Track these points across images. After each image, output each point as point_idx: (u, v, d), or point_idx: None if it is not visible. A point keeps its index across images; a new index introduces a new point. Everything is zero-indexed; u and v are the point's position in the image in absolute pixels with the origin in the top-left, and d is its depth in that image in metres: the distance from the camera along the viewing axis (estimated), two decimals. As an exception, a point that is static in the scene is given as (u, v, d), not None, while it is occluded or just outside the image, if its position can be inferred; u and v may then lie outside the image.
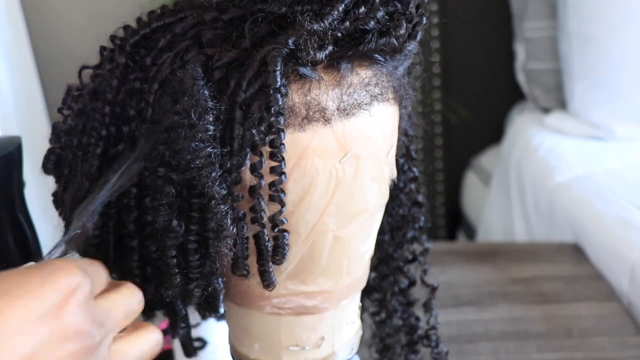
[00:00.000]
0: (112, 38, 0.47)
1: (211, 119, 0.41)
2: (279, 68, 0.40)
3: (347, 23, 0.42)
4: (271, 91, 0.40)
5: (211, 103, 0.41)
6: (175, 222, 0.44)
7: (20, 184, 0.64)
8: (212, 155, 0.41)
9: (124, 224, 0.46)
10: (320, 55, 0.41)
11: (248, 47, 0.41)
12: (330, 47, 0.41)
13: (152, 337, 0.38)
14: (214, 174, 0.41)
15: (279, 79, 0.40)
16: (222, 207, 0.42)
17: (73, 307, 0.31)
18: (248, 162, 0.42)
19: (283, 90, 0.41)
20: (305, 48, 0.41)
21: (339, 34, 0.42)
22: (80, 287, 0.32)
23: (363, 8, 0.42)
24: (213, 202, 0.42)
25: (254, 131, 0.41)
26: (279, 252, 0.45)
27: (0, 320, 0.29)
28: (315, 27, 0.40)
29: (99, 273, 0.36)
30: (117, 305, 0.36)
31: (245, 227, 0.44)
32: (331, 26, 0.41)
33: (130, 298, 0.37)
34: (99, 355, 0.33)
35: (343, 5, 0.41)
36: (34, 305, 0.30)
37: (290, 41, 0.40)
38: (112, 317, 0.35)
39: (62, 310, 0.31)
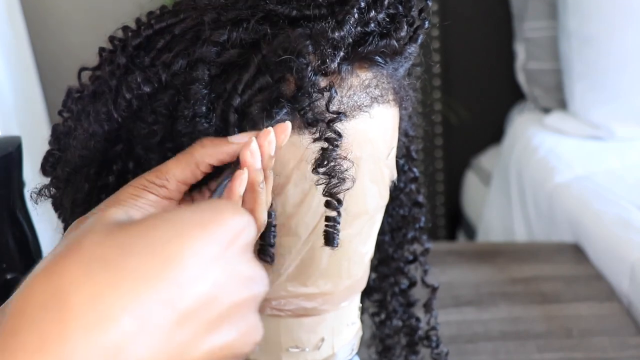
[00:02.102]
0: (111, 39, 0.46)
1: (210, 121, 0.41)
2: (312, 77, 0.40)
3: (359, 28, 0.42)
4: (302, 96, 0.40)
5: (208, 105, 0.41)
6: None
7: (20, 184, 0.64)
8: None
9: None
10: (334, 64, 0.41)
11: (250, 47, 0.41)
12: (342, 54, 0.41)
13: None
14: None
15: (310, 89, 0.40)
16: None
17: (240, 247, 0.31)
18: None
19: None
20: (323, 58, 0.40)
21: (351, 40, 0.42)
22: (247, 228, 0.31)
23: (373, 12, 0.42)
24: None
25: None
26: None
27: (178, 263, 0.28)
28: (337, 35, 0.40)
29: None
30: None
31: (273, 215, 0.44)
32: (348, 33, 0.41)
33: None
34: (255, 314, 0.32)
35: (357, 10, 0.41)
36: (207, 246, 0.29)
37: (311, 49, 0.40)
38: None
39: (229, 250, 0.30)
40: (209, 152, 0.38)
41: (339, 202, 0.42)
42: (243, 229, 0.31)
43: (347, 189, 0.43)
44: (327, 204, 0.43)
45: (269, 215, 0.43)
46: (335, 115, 0.42)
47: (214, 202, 0.32)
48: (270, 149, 0.38)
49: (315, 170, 0.42)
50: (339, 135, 0.42)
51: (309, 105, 0.41)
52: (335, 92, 0.42)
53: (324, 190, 0.42)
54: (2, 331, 0.26)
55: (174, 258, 0.28)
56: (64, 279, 0.27)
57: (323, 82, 0.42)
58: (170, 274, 0.27)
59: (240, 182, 0.36)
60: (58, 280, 0.27)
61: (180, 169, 0.38)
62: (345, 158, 0.42)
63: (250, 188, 0.37)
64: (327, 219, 0.43)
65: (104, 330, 0.26)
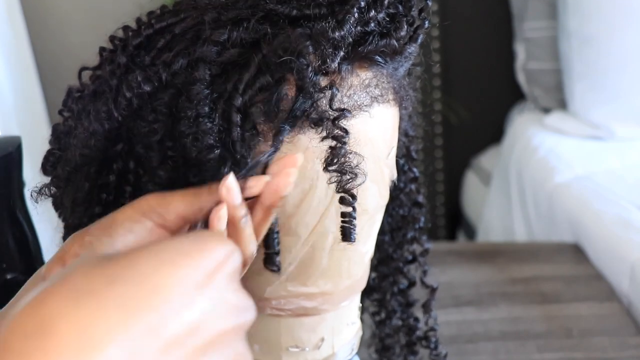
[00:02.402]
0: (112, 39, 0.46)
1: (211, 121, 0.41)
2: (312, 77, 0.40)
3: (359, 28, 0.42)
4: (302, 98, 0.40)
5: (210, 105, 0.41)
6: None
7: (20, 184, 0.64)
8: (220, 155, 0.41)
9: None
10: (334, 64, 0.41)
11: (251, 47, 0.41)
12: (342, 54, 0.41)
13: None
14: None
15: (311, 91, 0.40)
16: None
17: (225, 275, 0.30)
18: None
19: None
20: (323, 57, 0.40)
21: (351, 39, 0.42)
22: (232, 256, 0.31)
23: (373, 12, 0.42)
24: None
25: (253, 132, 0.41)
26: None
27: (164, 291, 0.28)
28: (337, 35, 0.40)
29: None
30: None
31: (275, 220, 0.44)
32: (348, 33, 0.41)
33: None
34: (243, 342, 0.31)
35: (357, 10, 0.41)
36: (192, 274, 0.29)
37: (311, 49, 0.40)
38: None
39: (215, 279, 0.30)
40: (214, 200, 0.38)
41: (353, 197, 0.43)
42: (227, 258, 0.31)
43: (360, 184, 0.43)
44: (342, 200, 0.43)
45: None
46: (339, 113, 0.42)
47: (199, 232, 0.32)
48: (271, 190, 0.37)
49: (326, 168, 0.42)
50: (346, 131, 0.42)
51: (312, 105, 0.41)
52: (337, 89, 0.42)
53: (337, 187, 0.43)
54: None
55: (158, 287, 0.28)
56: (50, 309, 0.26)
57: (324, 82, 0.42)
58: (156, 303, 0.27)
59: (217, 218, 0.36)
60: (43, 310, 0.26)
61: (184, 206, 0.38)
62: (353, 153, 0.43)
63: (231, 223, 0.37)
64: (343, 214, 0.44)
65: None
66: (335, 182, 0.42)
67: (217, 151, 0.41)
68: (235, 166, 0.41)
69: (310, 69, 0.40)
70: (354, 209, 0.44)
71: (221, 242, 0.31)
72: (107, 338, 0.26)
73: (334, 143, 0.42)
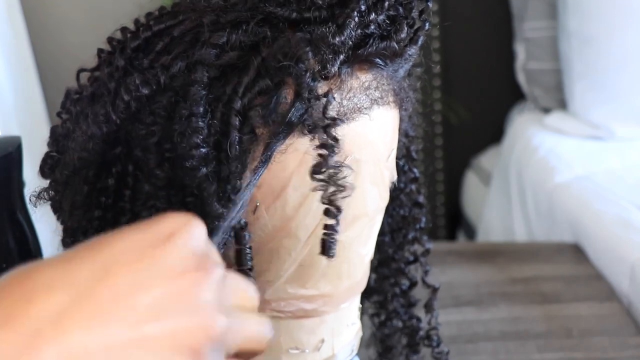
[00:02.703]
0: (110, 40, 0.46)
1: (207, 124, 0.41)
2: (310, 83, 0.40)
3: (359, 31, 0.42)
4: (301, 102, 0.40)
5: (205, 106, 0.41)
6: None
7: (20, 184, 0.64)
8: (209, 159, 0.41)
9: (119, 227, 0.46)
10: (334, 68, 0.41)
11: (250, 50, 0.41)
12: (342, 58, 0.41)
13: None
14: (213, 187, 0.41)
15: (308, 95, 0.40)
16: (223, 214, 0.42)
17: (172, 245, 0.27)
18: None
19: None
20: (323, 62, 0.40)
21: (351, 43, 0.41)
22: (183, 229, 0.28)
23: (373, 14, 0.42)
24: (210, 208, 0.41)
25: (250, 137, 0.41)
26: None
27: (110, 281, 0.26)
28: (337, 40, 0.40)
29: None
30: (241, 295, 0.31)
31: (247, 236, 0.43)
32: (349, 37, 0.41)
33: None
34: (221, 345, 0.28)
35: (357, 14, 0.41)
36: (133, 246, 0.27)
37: (311, 55, 0.40)
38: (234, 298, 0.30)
39: (158, 248, 0.27)
40: None
41: (338, 209, 0.42)
42: (180, 228, 0.28)
43: (346, 197, 0.42)
44: (326, 212, 0.42)
45: (243, 237, 0.42)
46: (331, 121, 0.41)
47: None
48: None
49: (312, 176, 0.41)
50: (336, 140, 0.41)
51: (307, 111, 0.41)
52: (333, 97, 0.42)
53: (322, 197, 0.41)
54: None
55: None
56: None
57: (324, 87, 0.42)
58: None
59: None
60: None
61: None
62: (343, 165, 0.42)
63: None
64: (325, 227, 0.42)
65: None
66: (320, 190, 0.41)
67: (203, 150, 0.41)
68: (217, 166, 0.41)
69: (308, 74, 0.40)
70: (337, 222, 0.42)
71: (172, 217, 0.29)
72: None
73: (323, 151, 0.41)
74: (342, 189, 0.41)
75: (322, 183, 0.41)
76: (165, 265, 0.27)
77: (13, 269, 0.27)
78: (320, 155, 0.41)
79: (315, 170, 0.41)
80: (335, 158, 0.41)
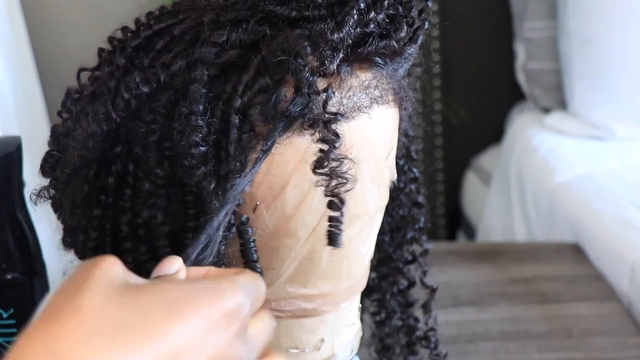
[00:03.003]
0: (111, 40, 0.46)
1: (206, 122, 0.41)
2: (309, 78, 0.40)
3: (358, 29, 0.42)
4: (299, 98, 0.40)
5: (205, 104, 0.41)
6: (166, 228, 0.44)
7: (20, 184, 0.64)
8: (208, 157, 0.41)
9: (119, 226, 0.46)
10: (333, 65, 0.41)
11: (249, 48, 0.41)
12: (341, 56, 0.41)
13: None
14: (212, 185, 0.41)
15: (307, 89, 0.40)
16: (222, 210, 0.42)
17: (233, 331, 0.31)
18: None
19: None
20: (321, 59, 0.40)
21: (350, 41, 0.41)
22: (241, 310, 0.31)
23: (373, 13, 0.42)
24: (209, 206, 0.41)
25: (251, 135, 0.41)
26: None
27: (166, 340, 0.28)
28: (335, 37, 0.40)
29: (259, 289, 0.35)
30: (263, 331, 0.35)
31: (250, 231, 0.43)
32: (348, 34, 0.41)
33: (269, 320, 0.36)
34: None
35: (356, 12, 0.41)
36: (198, 325, 0.29)
37: (309, 51, 0.40)
38: (259, 342, 0.34)
39: (219, 332, 0.30)
40: None
41: (342, 202, 0.42)
42: (239, 310, 0.31)
43: (349, 190, 0.43)
44: (330, 205, 0.42)
45: (246, 232, 0.43)
46: (332, 116, 0.41)
47: (215, 282, 0.32)
48: None
49: (314, 171, 0.42)
50: (337, 135, 0.41)
51: (307, 107, 0.41)
52: (333, 92, 0.42)
53: (325, 191, 0.42)
54: None
55: (166, 337, 0.28)
56: (62, 344, 0.27)
57: (322, 83, 0.42)
58: (162, 353, 0.28)
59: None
60: (56, 344, 0.27)
61: None
62: (345, 158, 0.42)
63: None
64: (330, 219, 0.43)
65: None
66: (324, 185, 0.42)
67: (202, 149, 0.41)
68: (217, 165, 0.41)
69: (307, 69, 0.40)
70: (342, 213, 0.43)
71: (236, 296, 0.31)
72: None
73: (324, 146, 0.41)
74: (344, 181, 0.42)
75: (324, 177, 0.41)
76: (227, 353, 0.31)
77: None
78: (321, 150, 0.41)
79: (318, 164, 0.41)
80: (337, 152, 0.42)
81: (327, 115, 0.41)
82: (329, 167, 0.41)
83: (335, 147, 0.41)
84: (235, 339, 0.31)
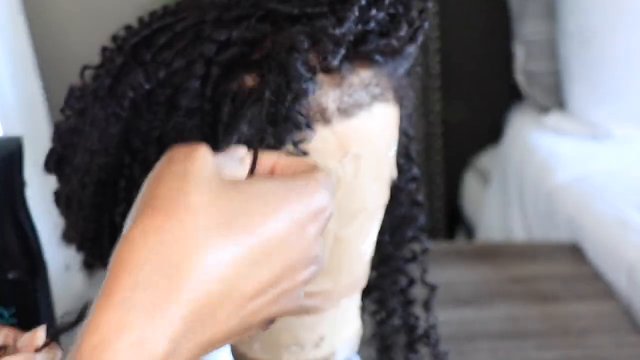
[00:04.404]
0: (114, 38, 0.47)
1: (209, 121, 0.41)
2: (303, 74, 0.40)
3: (360, 27, 0.42)
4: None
5: (205, 102, 0.41)
6: None
7: (22, 185, 0.64)
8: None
9: (115, 217, 0.47)
10: (336, 61, 0.41)
11: (252, 46, 0.42)
12: (343, 52, 0.41)
13: None
14: None
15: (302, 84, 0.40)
16: None
17: (316, 229, 0.34)
18: None
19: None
20: (324, 54, 0.41)
21: (352, 38, 0.42)
22: (326, 210, 0.34)
23: (374, 11, 0.42)
24: None
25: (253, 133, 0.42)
26: None
27: (263, 233, 0.31)
28: (337, 32, 0.40)
29: (334, 190, 0.37)
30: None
31: None
32: (349, 30, 0.41)
33: None
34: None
35: (358, 8, 0.41)
36: (290, 221, 0.32)
37: (307, 46, 0.40)
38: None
39: (306, 229, 0.33)
40: None
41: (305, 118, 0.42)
42: (325, 210, 0.34)
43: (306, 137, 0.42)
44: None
45: None
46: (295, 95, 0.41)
47: (304, 181, 0.34)
48: None
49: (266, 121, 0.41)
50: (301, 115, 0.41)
51: (293, 102, 0.41)
52: (315, 86, 0.41)
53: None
54: (111, 288, 0.28)
55: (263, 230, 0.31)
56: (177, 238, 0.29)
57: (327, 79, 0.42)
58: (260, 244, 0.31)
59: None
60: (171, 238, 0.29)
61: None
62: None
63: None
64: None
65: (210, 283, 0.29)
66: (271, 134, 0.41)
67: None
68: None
69: (300, 61, 0.40)
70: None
71: (326, 192, 0.34)
72: (231, 259, 0.30)
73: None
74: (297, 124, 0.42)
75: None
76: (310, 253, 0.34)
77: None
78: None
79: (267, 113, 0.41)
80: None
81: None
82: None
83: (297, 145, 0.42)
84: (317, 236, 0.34)
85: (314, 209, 0.33)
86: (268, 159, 0.37)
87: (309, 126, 0.42)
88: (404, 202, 0.59)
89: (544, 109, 1.50)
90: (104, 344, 0.27)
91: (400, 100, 0.48)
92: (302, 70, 0.40)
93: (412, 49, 0.46)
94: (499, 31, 1.60)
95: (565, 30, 1.35)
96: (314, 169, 0.36)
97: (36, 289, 0.64)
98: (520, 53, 1.53)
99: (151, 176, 0.33)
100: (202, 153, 0.33)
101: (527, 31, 1.48)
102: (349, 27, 0.41)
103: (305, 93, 0.41)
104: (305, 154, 0.42)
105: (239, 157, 0.36)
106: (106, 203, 0.47)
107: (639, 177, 1.19)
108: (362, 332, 0.56)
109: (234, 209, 0.31)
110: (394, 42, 0.44)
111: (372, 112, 0.45)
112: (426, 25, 0.46)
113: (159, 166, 0.33)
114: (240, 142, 0.42)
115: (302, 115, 0.41)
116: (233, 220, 0.30)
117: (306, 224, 0.33)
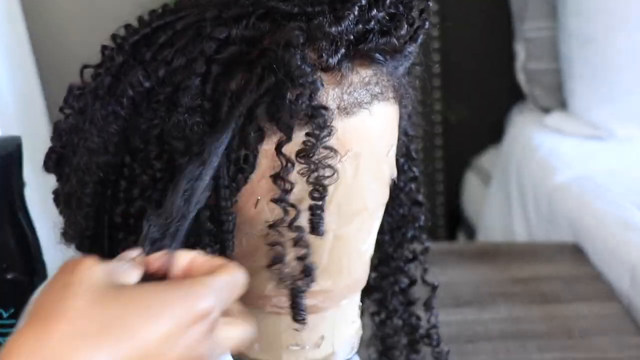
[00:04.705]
0: (114, 37, 0.47)
1: (204, 116, 0.41)
2: (304, 68, 0.40)
3: (360, 25, 0.42)
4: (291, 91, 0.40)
5: (205, 100, 0.41)
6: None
7: (20, 184, 0.64)
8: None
9: (113, 217, 0.47)
10: (334, 60, 0.41)
11: (251, 44, 0.42)
12: (342, 51, 0.41)
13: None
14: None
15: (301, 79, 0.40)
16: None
17: (201, 330, 0.33)
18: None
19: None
20: (320, 52, 0.40)
21: (351, 37, 0.42)
22: (210, 313, 0.34)
23: (375, 10, 0.42)
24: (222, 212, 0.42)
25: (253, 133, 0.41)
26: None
27: (141, 338, 0.31)
28: (334, 30, 0.40)
29: (234, 286, 0.36)
30: (233, 336, 0.36)
31: (231, 219, 0.44)
32: (347, 29, 0.41)
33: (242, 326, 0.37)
34: None
35: (357, 8, 0.41)
36: (170, 326, 0.32)
37: (301, 41, 0.40)
38: (226, 344, 0.36)
39: (190, 330, 0.33)
40: None
41: (325, 190, 0.43)
42: (208, 313, 0.34)
43: (332, 181, 0.43)
44: (312, 193, 0.43)
45: (227, 221, 0.43)
46: (321, 108, 0.42)
47: (189, 285, 0.34)
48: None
49: (297, 159, 0.42)
50: (325, 126, 0.42)
51: (297, 98, 0.41)
52: (322, 84, 0.42)
53: (307, 180, 0.43)
54: None
55: (141, 335, 0.31)
56: (51, 346, 0.29)
57: (325, 78, 0.42)
58: (138, 349, 0.31)
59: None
60: (45, 345, 0.29)
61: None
62: (332, 150, 0.43)
63: None
64: (311, 207, 0.44)
65: None
66: (306, 174, 0.42)
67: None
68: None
69: (298, 57, 0.40)
70: (324, 202, 0.44)
71: (204, 300, 0.34)
72: None
73: (311, 139, 0.42)
74: (329, 172, 0.43)
75: (308, 166, 0.42)
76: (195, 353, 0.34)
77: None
78: (304, 142, 0.42)
79: (303, 153, 0.42)
80: (326, 143, 0.42)
81: (312, 110, 0.41)
82: (314, 157, 0.42)
83: (320, 139, 0.42)
84: (202, 338, 0.33)
85: (198, 311, 0.33)
86: (183, 258, 0.37)
87: (319, 119, 0.41)
88: (404, 202, 0.59)
89: (545, 109, 1.50)
90: None
91: (400, 99, 0.48)
92: (303, 64, 0.40)
93: (412, 48, 0.46)
94: (500, 30, 1.60)
95: (566, 29, 1.35)
96: (227, 267, 0.36)
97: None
98: (520, 52, 1.53)
99: (41, 288, 0.33)
100: (88, 264, 0.33)
101: (528, 30, 1.48)
102: (347, 26, 0.41)
103: (314, 85, 0.41)
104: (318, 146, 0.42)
105: (130, 260, 0.36)
106: (105, 202, 0.47)
107: (640, 177, 1.19)
108: (362, 331, 0.56)
109: (112, 314, 0.31)
110: (394, 41, 0.44)
111: (372, 110, 0.45)
112: (427, 24, 0.46)
113: (50, 279, 0.34)
114: (240, 141, 0.42)
115: (314, 108, 0.41)
116: (111, 325, 0.31)
117: (190, 325, 0.33)
